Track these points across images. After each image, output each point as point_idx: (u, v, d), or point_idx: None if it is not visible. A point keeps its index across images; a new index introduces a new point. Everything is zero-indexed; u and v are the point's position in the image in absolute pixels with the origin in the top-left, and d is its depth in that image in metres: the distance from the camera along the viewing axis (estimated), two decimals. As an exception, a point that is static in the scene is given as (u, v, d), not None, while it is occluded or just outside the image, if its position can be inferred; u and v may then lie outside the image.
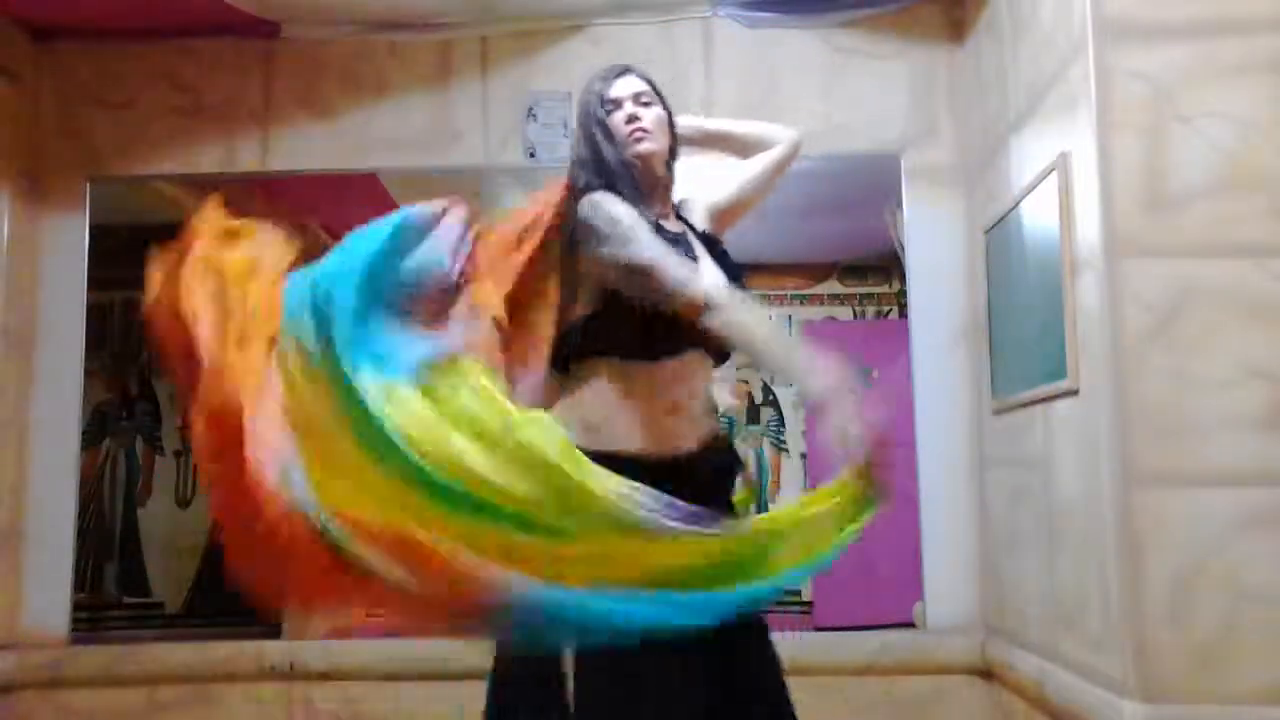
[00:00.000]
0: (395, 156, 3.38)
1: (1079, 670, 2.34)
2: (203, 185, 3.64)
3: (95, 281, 3.37)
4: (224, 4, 3.14)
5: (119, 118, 3.38)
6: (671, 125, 1.92)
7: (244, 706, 3.22)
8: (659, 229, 1.79)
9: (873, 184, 3.42)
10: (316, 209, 3.91)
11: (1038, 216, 2.56)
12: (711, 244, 1.93)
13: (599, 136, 1.86)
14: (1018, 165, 2.74)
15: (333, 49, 3.38)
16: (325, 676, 3.25)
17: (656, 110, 1.89)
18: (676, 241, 1.82)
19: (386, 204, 3.76)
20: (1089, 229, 2.22)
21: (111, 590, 4.56)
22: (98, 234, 3.37)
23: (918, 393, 3.22)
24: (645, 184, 1.86)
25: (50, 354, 3.31)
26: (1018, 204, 2.71)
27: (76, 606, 3.32)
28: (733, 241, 2.00)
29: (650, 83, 1.93)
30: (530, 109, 3.28)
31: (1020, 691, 2.76)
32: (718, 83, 3.30)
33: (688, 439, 1.79)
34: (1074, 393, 2.33)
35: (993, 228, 2.96)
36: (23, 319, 3.28)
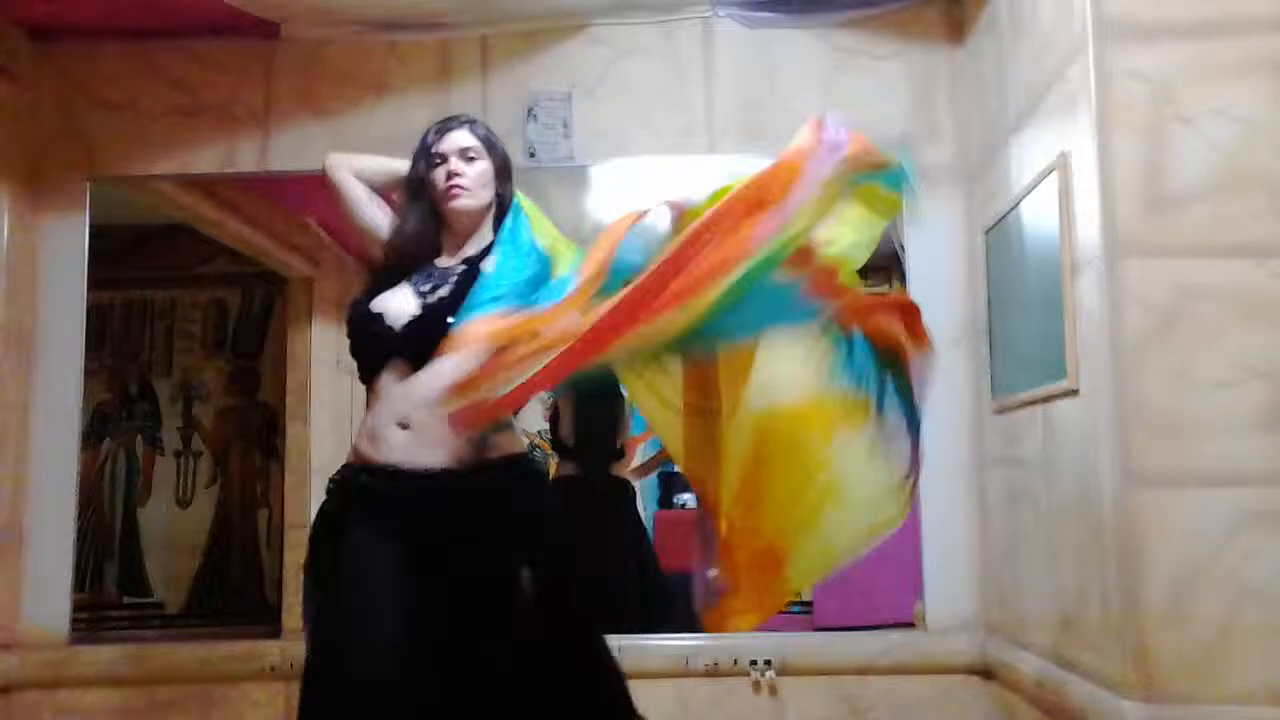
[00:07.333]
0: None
1: (1079, 670, 2.34)
2: (203, 185, 3.66)
3: (95, 281, 3.36)
4: (224, 4, 3.13)
5: (119, 118, 3.37)
6: (503, 174, 2.06)
7: (244, 706, 3.22)
8: (430, 266, 1.99)
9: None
10: (316, 208, 3.92)
11: (1037, 217, 2.56)
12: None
13: (414, 189, 2.04)
14: (1018, 165, 2.74)
15: (333, 49, 3.38)
16: (325, 676, 3.24)
17: (481, 165, 2.02)
18: (435, 274, 1.97)
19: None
20: (1089, 229, 2.22)
21: (111, 590, 4.57)
22: (98, 234, 3.37)
23: (918, 392, 3.22)
24: (453, 233, 2.03)
25: (50, 354, 3.30)
26: (1017, 204, 2.71)
27: (76, 606, 3.31)
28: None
29: (485, 136, 2.05)
30: (530, 109, 3.27)
31: (1020, 691, 2.76)
32: (718, 83, 3.29)
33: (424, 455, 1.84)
34: (1074, 393, 2.33)
35: (992, 228, 2.96)
36: (23, 319, 3.27)
